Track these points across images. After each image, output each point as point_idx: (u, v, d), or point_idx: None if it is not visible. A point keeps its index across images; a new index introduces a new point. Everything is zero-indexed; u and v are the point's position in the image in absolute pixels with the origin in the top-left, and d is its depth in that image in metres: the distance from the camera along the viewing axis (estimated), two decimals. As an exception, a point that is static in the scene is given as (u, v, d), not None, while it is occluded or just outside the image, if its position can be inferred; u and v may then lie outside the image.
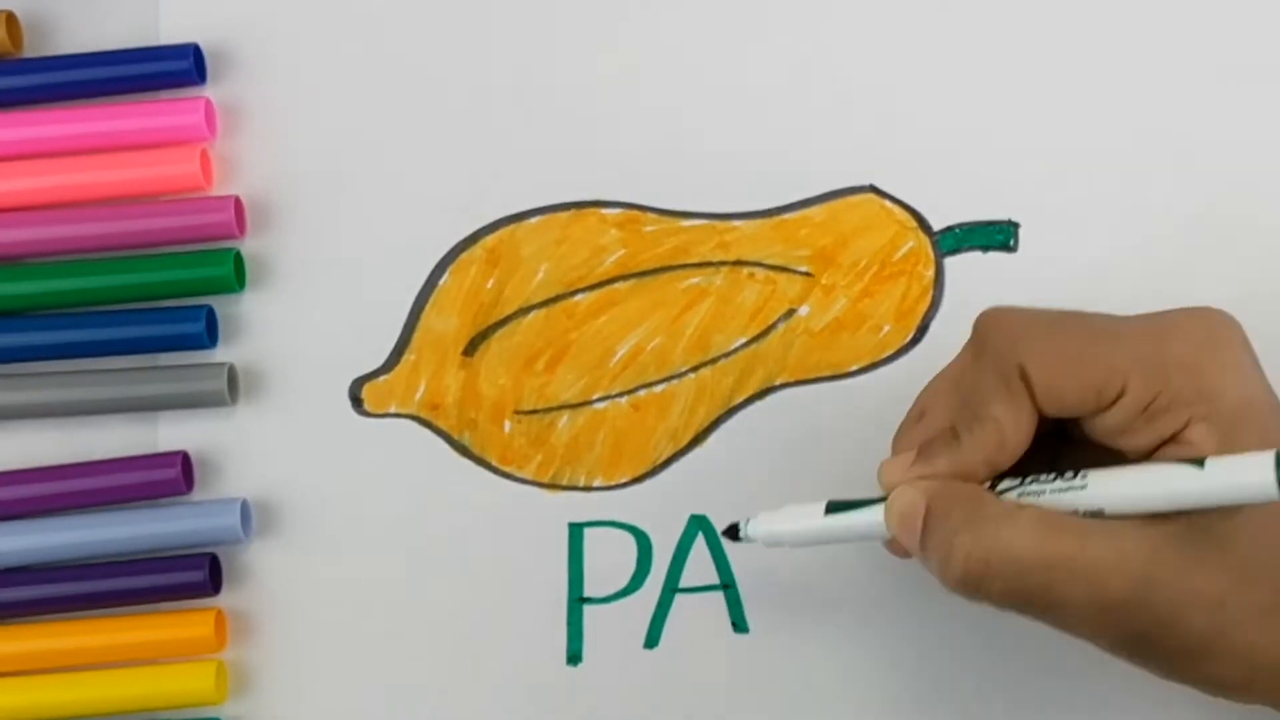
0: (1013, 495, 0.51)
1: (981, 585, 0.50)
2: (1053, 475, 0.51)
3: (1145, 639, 0.50)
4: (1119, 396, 0.50)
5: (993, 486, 0.52)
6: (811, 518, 0.56)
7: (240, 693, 0.64)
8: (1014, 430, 0.51)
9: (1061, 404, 0.51)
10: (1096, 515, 0.50)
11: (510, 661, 0.63)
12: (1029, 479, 0.51)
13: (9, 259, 0.65)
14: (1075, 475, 0.50)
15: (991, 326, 0.52)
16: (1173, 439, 0.50)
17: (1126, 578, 0.49)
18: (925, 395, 0.57)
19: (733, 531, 0.59)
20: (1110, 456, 0.51)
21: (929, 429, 0.54)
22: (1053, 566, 0.49)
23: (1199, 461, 0.48)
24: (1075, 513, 0.50)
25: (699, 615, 0.63)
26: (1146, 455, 0.50)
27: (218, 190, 0.65)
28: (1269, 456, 0.47)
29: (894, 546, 0.56)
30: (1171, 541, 0.49)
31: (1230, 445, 0.49)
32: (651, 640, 0.63)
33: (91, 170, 0.64)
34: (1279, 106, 0.65)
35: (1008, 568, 0.50)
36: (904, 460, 0.54)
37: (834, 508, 0.55)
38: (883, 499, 0.54)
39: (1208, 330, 0.51)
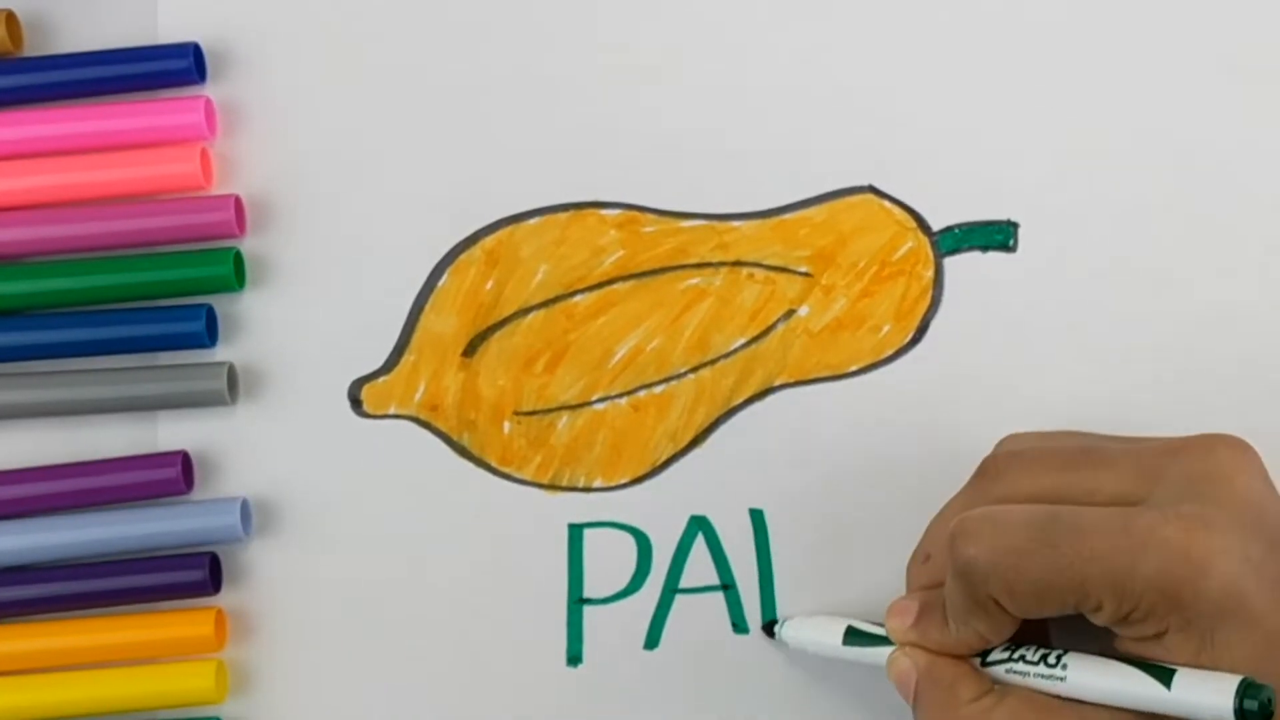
0: (1001, 670, 0.54)
1: None
2: (1038, 656, 0.53)
3: None
4: (1096, 609, 0.51)
5: (985, 655, 0.55)
6: (833, 637, 0.60)
7: (240, 692, 0.64)
8: (996, 634, 0.54)
9: (1040, 615, 0.53)
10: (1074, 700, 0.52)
11: (510, 663, 0.63)
12: (1017, 654, 0.54)
13: (9, 259, 0.64)
14: (1057, 663, 0.53)
15: (964, 547, 0.53)
16: (1153, 638, 0.51)
17: None
18: (929, 537, 0.58)
19: (769, 629, 0.63)
20: None
21: (933, 573, 0.57)
22: None
23: (1168, 674, 0.50)
24: (1057, 697, 0.52)
25: (699, 616, 0.63)
26: (1134, 642, 0.52)
27: (218, 189, 0.65)
28: (1232, 684, 0.48)
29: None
30: None
31: (1208, 647, 0.50)
32: (652, 641, 0.63)
33: (91, 170, 0.64)
34: (1278, 107, 0.65)
35: None
36: (906, 613, 0.57)
37: (852, 634, 0.59)
38: (890, 642, 0.57)
39: (1188, 524, 0.50)
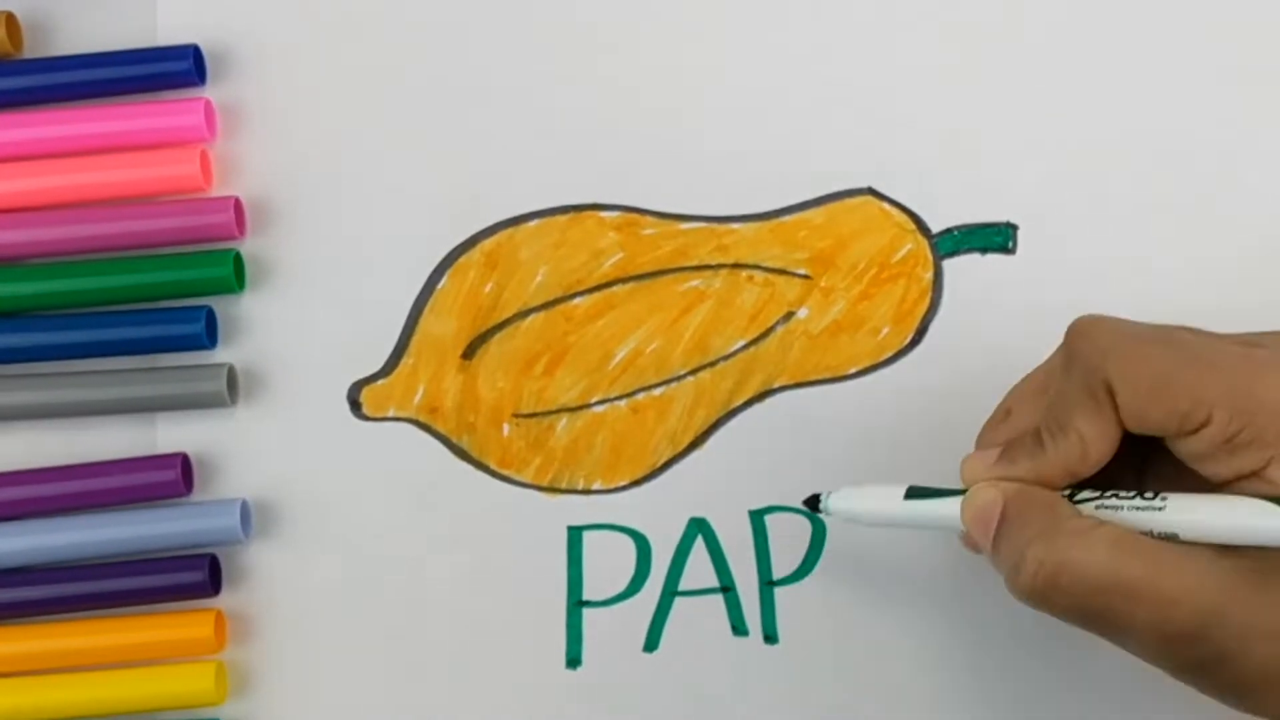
0: (1090, 508, 0.52)
1: (1048, 598, 0.50)
2: (1132, 493, 0.51)
3: (1208, 668, 0.50)
4: (1203, 425, 0.50)
5: (1072, 496, 0.52)
6: (890, 500, 0.56)
7: (240, 693, 0.64)
8: (1097, 443, 0.52)
9: (1145, 424, 0.51)
10: (1171, 538, 0.50)
11: (509, 665, 0.63)
12: (1108, 493, 0.52)
13: (9, 259, 0.64)
14: (1154, 496, 0.51)
15: (1083, 336, 0.52)
16: (1254, 474, 0.49)
17: (1194, 609, 0.49)
18: (1012, 395, 0.57)
19: (813, 502, 0.59)
20: (1193, 475, 0.51)
21: (1013, 429, 0.55)
22: (1121, 590, 0.49)
23: (1276, 500, 0.49)
24: (1150, 534, 0.50)
25: (698, 618, 0.63)
26: (1227, 483, 0.50)
27: (217, 191, 0.65)
28: None
29: (967, 540, 0.56)
30: (1242, 574, 0.49)
31: None
32: (651, 643, 0.63)
33: (91, 171, 0.64)
34: (1278, 107, 0.65)
35: (1076, 585, 0.50)
36: (986, 457, 0.54)
37: (914, 493, 0.56)
38: (962, 492, 0.54)
39: None
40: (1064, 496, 0.52)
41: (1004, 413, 0.57)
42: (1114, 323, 0.52)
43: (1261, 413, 0.49)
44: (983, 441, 0.57)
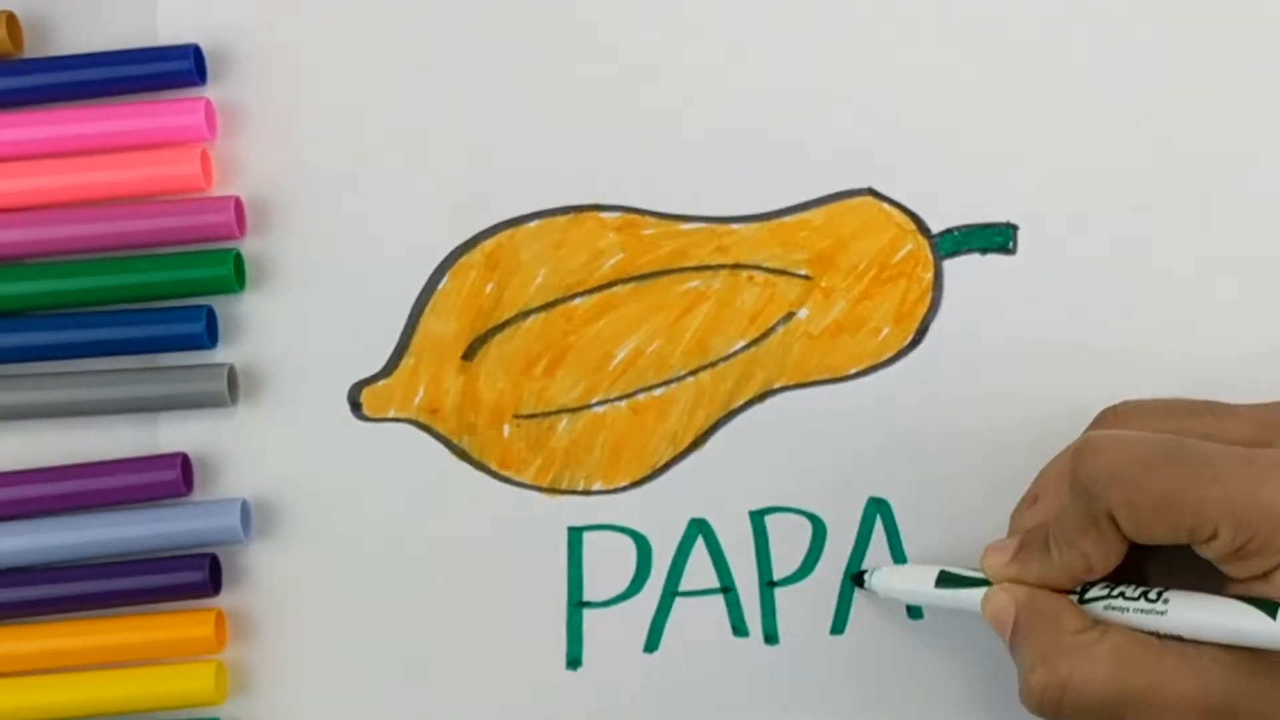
0: (1099, 607, 0.53)
1: (1057, 715, 0.53)
2: (1138, 593, 0.53)
3: None
4: (1211, 538, 0.51)
5: (1083, 593, 0.54)
6: (924, 584, 0.59)
7: (240, 693, 0.64)
8: (1101, 560, 0.54)
9: (1151, 540, 0.52)
10: (1177, 638, 0.52)
11: (510, 666, 0.63)
12: (1116, 592, 0.53)
13: (9, 259, 0.64)
14: (1158, 598, 0.52)
15: (1086, 461, 0.53)
16: (1262, 576, 0.51)
17: (1200, 712, 0.51)
18: (1040, 481, 0.59)
19: (859, 579, 0.63)
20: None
21: (1040, 516, 0.57)
22: (1127, 700, 0.51)
23: (1274, 607, 0.50)
24: (1156, 634, 0.52)
25: (699, 619, 0.63)
26: (1243, 581, 0.51)
27: (218, 191, 0.65)
28: None
29: None
30: (1250, 667, 0.51)
31: None
32: (651, 644, 0.63)
33: (91, 170, 0.64)
34: (1278, 108, 0.64)
35: (1082, 702, 0.52)
36: (1004, 551, 0.56)
37: (944, 579, 0.59)
38: (986, 582, 0.57)
39: None
40: (1073, 596, 0.54)
41: (1032, 499, 0.58)
42: (1118, 446, 0.53)
43: (1265, 521, 0.50)
44: (1014, 525, 0.59)
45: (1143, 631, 0.52)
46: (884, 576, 0.62)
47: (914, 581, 0.60)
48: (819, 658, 0.63)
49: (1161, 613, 0.52)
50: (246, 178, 0.66)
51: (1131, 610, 0.53)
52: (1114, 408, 0.58)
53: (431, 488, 0.64)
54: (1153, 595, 0.52)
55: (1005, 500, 0.62)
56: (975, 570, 0.58)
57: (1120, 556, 0.54)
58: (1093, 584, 0.54)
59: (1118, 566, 0.54)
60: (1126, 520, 0.52)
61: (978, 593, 0.57)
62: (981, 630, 0.60)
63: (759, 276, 0.64)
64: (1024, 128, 0.64)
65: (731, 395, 0.64)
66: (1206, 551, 0.51)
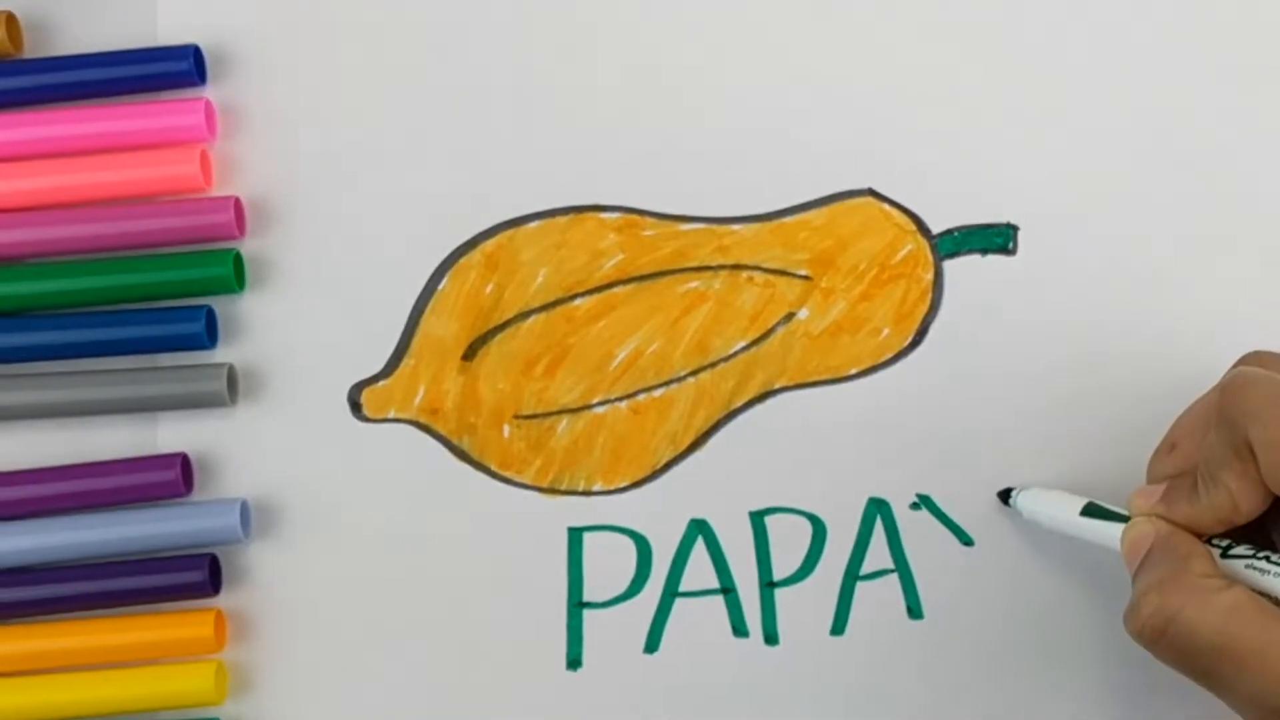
0: (1240, 565, 0.53)
1: (1154, 645, 0.52)
2: None
3: None
4: None
5: (1228, 549, 0.54)
6: (1069, 511, 0.59)
7: (239, 693, 0.64)
8: (1245, 498, 0.53)
9: None
10: None
11: (510, 666, 0.64)
12: (1261, 554, 0.53)
13: (9, 259, 0.64)
14: None
15: (1231, 395, 0.53)
16: None
17: None
18: (1177, 427, 0.58)
19: (1005, 495, 0.62)
20: None
21: (1179, 462, 0.56)
22: (1229, 655, 0.50)
23: None
24: None
25: (699, 620, 0.63)
26: None
27: (218, 191, 0.65)
28: None
29: None
30: None
31: None
32: (651, 645, 0.63)
33: (92, 171, 0.64)
34: (1278, 108, 0.65)
35: (1183, 641, 0.51)
36: (1152, 493, 0.56)
37: (1089, 510, 0.58)
38: (1128, 518, 0.56)
39: None
40: (1218, 547, 0.54)
41: (1169, 445, 0.58)
42: (1264, 384, 0.52)
43: None
44: (1151, 473, 0.58)
45: (1273, 597, 0.52)
46: (1030, 498, 0.61)
47: (1060, 508, 0.60)
48: (819, 658, 0.63)
49: None
50: (246, 178, 0.66)
51: (1272, 574, 0.52)
52: (1257, 353, 0.57)
53: (431, 488, 0.64)
54: None
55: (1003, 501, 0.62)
56: (1123, 509, 0.58)
57: (1265, 501, 0.53)
58: (1239, 543, 0.54)
59: (1270, 536, 0.54)
60: (1265, 458, 0.51)
61: (1118, 528, 0.56)
62: (982, 632, 0.61)
63: (759, 277, 0.64)
64: (1024, 128, 0.64)
65: (732, 396, 0.64)
66: None
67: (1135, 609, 0.52)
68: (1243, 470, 0.53)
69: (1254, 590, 0.51)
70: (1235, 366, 0.56)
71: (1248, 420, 0.52)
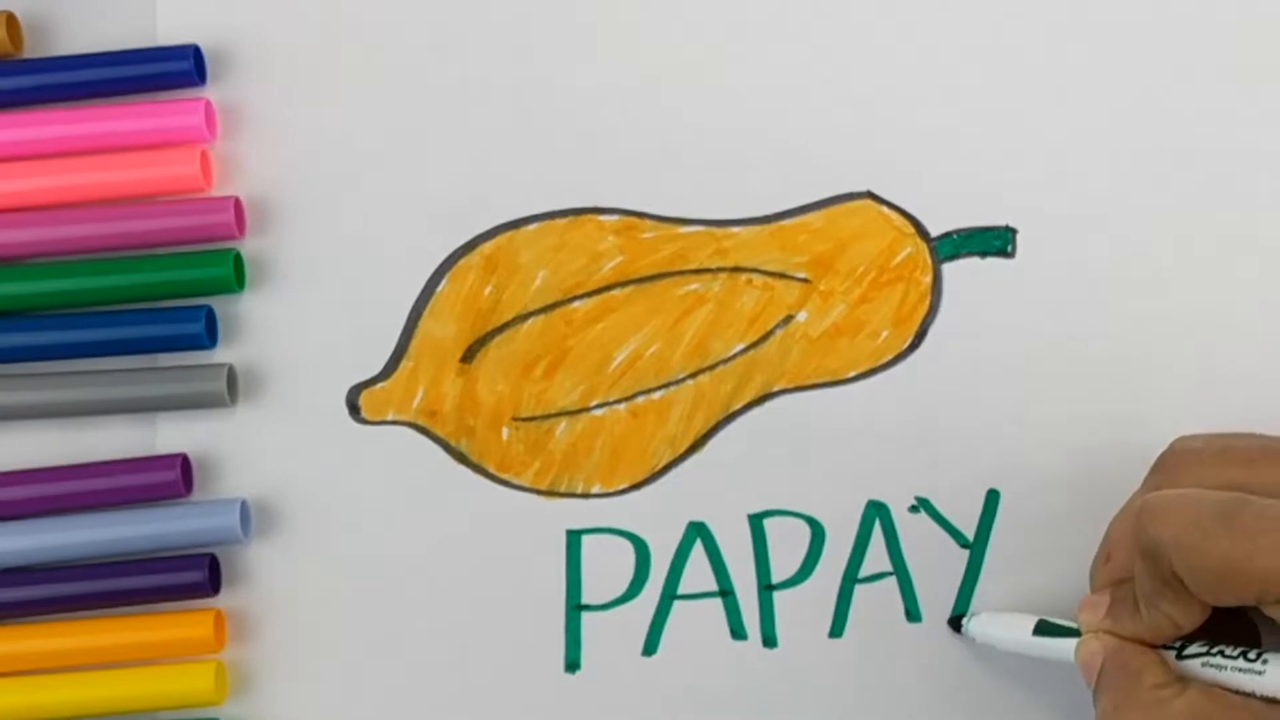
0: (1197, 664, 0.53)
1: None
2: (1237, 652, 0.52)
3: None
4: (1277, 602, 0.50)
5: (1182, 648, 0.54)
6: (1022, 633, 0.59)
7: (239, 693, 0.64)
8: (1184, 617, 0.53)
9: (1221, 603, 0.52)
10: (1275, 701, 0.51)
11: (508, 669, 0.64)
12: (1215, 650, 0.53)
13: (9, 259, 0.64)
14: (1257, 659, 0.52)
15: (1149, 524, 0.53)
16: None
17: None
18: (1110, 536, 0.58)
19: (955, 623, 0.63)
20: None
21: (1116, 572, 0.57)
22: None
23: None
24: (1254, 695, 0.51)
25: (698, 622, 0.63)
26: None
27: (218, 191, 0.65)
28: None
29: None
30: None
31: None
32: (650, 647, 0.63)
33: (91, 171, 0.64)
34: (1278, 108, 0.64)
35: None
36: (1098, 605, 0.56)
37: (1042, 628, 0.59)
38: (1079, 634, 0.57)
39: None
40: (1173, 648, 0.54)
41: (1105, 555, 0.58)
42: (1176, 510, 0.52)
43: None
44: (1094, 581, 0.58)
45: (1240, 692, 0.52)
46: (982, 623, 0.62)
47: (1012, 630, 0.60)
48: (817, 661, 0.63)
49: (1260, 673, 0.51)
50: (246, 178, 0.66)
51: (1229, 669, 0.52)
52: (1172, 451, 0.57)
53: (430, 490, 0.64)
54: (1252, 655, 0.52)
55: (1002, 503, 0.62)
56: (1071, 621, 0.58)
57: (1204, 615, 0.53)
58: (1193, 640, 0.54)
59: (1234, 612, 0.54)
60: (1194, 585, 0.52)
61: (1072, 642, 0.57)
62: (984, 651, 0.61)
63: (758, 279, 0.64)
64: (1023, 131, 0.64)
65: (730, 398, 0.64)
66: (1276, 614, 0.51)
67: None
68: (1175, 596, 0.53)
69: (1213, 685, 0.52)
70: (1148, 474, 0.57)
71: (1170, 552, 0.52)
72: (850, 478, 0.63)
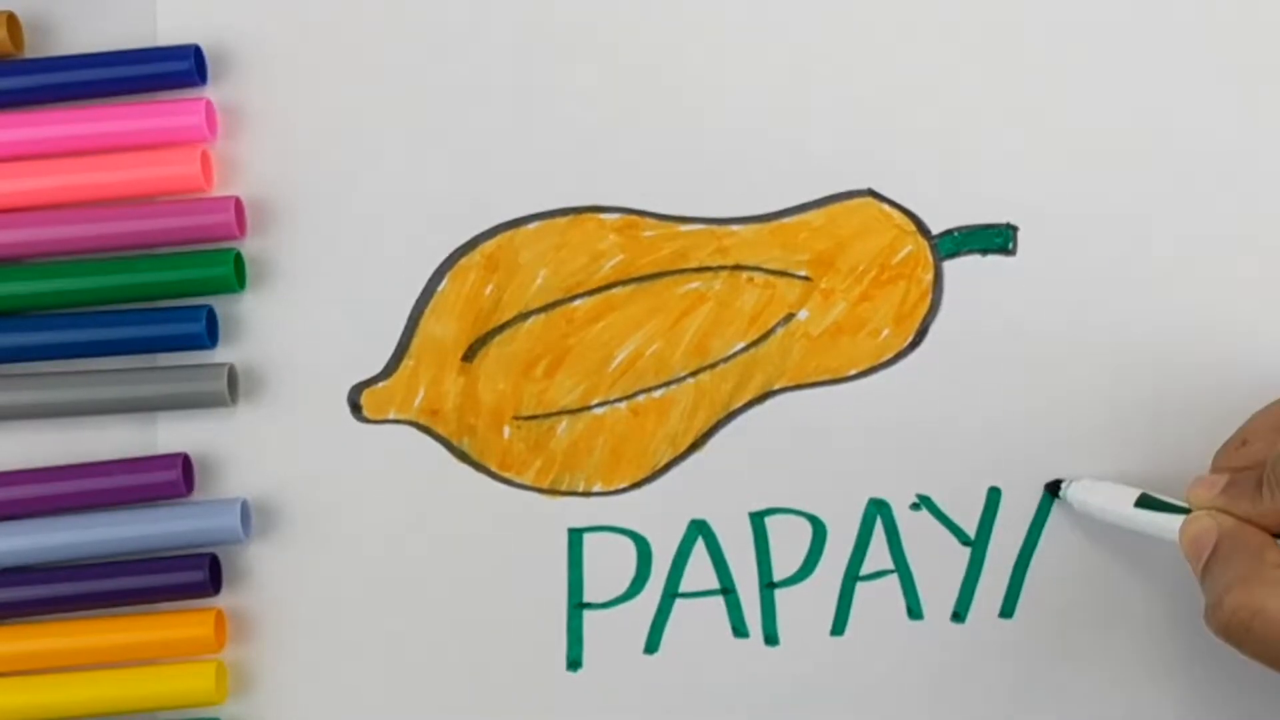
0: None
1: (1241, 641, 0.52)
2: None
3: None
4: None
5: None
6: (1122, 503, 0.59)
7: (240, 693, 0.64)
8: None
9: None
10: None
11: (510, 667, 0.64)
12: None
13: (9, 259, 0.64)
14: None
15: None
16: None
17: None
18: (1251, 424, 0.58)
19: (1054, 487, 0.62)
20: None
21: (1247, 458, 0.57)
22: None
23: None
24: None
25: (699, 620, 0.64)
26: None
27: (218, 191, 0.65)
28: None
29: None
30: None
31: None
32: (651, 646, 0.64)
33: (92, 171, 0.64)
34: (1278, 108, 0.64)
35: (1270, 629, 0.51)
36: (1214, 484, 0.56)
37: (1143, 502, 0.58)
38: (1186, 510, 0.56)
39: None
40: (1278, 540, 0.54)
41: (1240, 440, 0.58)
42: None
43: None
44: (1217, 464, 0.58)
45: None
46: (1082, 490, 0.61)
47: (1113, 500, 0.60)
48: (819, 659, 0.63)
49: None
50: (246, 178, 0.65)
51: None
52: None
53: (431, 489, 0.64)
54: None
55: (1003, 500, 0.62)
56: (1177, 499, 0.58)
57: None
58: None
59: None
60: None
61: (1175, 519, 0.56)
62: (982, 634, 0.61)
63: (759, 278, 0.64)
64: (1024, 128, 0.64)
65: (731, 396, 0.64)
66: None
67: (1219, 606, 0.53)
68: None
69: None
70: None
71: None
72: (851, 476, 0.63)
